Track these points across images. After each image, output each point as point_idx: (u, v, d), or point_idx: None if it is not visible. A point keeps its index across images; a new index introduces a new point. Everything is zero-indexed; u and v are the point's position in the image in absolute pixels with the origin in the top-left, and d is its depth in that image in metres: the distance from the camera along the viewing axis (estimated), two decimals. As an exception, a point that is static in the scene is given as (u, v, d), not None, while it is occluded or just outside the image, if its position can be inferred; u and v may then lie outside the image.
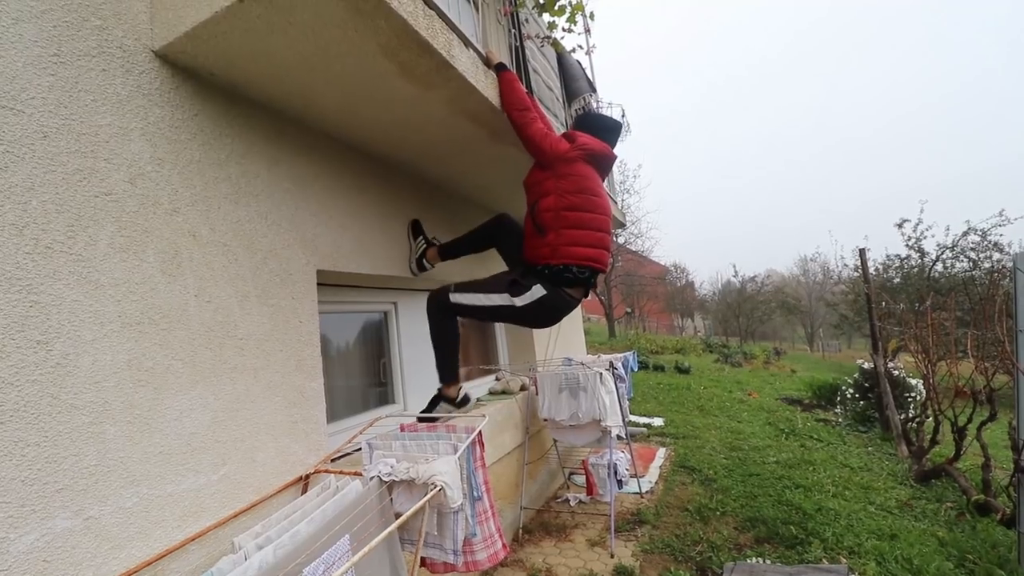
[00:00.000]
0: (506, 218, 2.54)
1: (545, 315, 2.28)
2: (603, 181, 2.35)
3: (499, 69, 2.19)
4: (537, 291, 2.15)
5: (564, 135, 2.29)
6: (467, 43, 1.92)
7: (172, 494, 1.38)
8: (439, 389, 2.36)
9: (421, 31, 1.51)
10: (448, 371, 2.34)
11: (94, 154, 1.34)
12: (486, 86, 1.99)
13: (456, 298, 2.26)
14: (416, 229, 2.71)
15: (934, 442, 4.50)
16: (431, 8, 1.62)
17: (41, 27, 1.28)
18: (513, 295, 2.18)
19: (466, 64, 1.80)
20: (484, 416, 1.85)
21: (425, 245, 2.65)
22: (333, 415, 2.30)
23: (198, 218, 1.58)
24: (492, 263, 2.87)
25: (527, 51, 3.13)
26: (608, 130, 2.39)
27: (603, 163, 2.30)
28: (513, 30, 3.12)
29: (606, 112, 4.04)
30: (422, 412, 2.33)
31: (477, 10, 3.81)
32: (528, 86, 3.05)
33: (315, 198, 2.08)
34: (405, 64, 1.65)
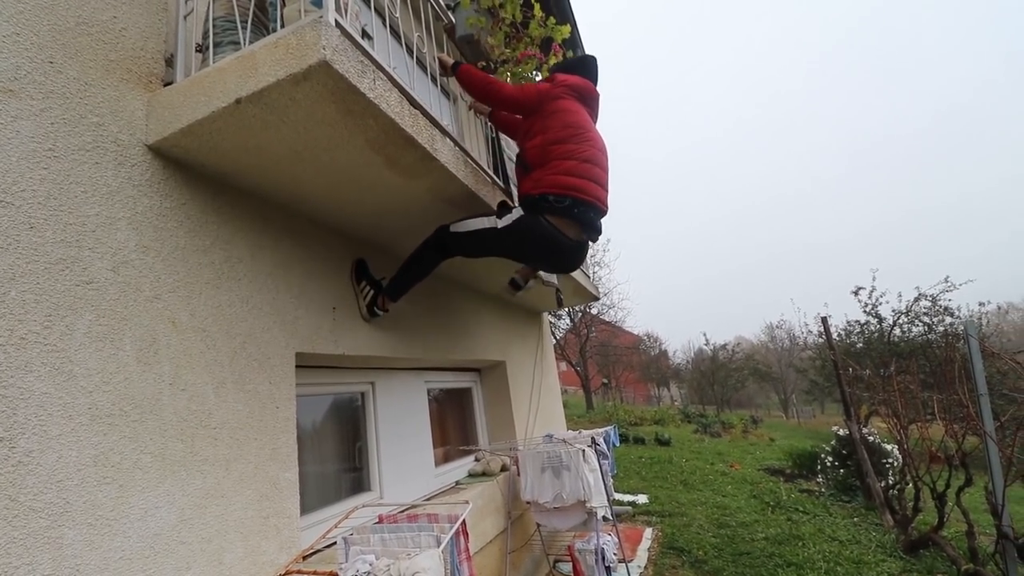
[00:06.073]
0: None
1: (535, 245, 2.18)
2: (594, 121, 2.31)
3: (455, 68, 2.32)
4: (516, 212, 2.17)
5: (544, 79, 2.33)
6: (445, 133, 2.06)
7: (129, 606, 1.26)
8: (383, 286, 2.42)
9: (407, 128, 1.62)
10: (398, 288, 2.41)
11: (79, 243, 1.34)
12: (465, 175, 2.11)
13: (455, 227, 2.25)
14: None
15: (916, 510, 4.48)
16: (415, 107, 1.76)
17: (39, 124, 1.32)
18: (499, 216, 2.19)
19: (447, 156, 1.92)
20: (468, 503, 1.78)
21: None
22: (305, 506, 2.17)
23: (179, 304, 1.57)
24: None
25: (502, 140, 3.35)
26: (584, 66, 2.40)
27: (588, 98, 2.28)
28: (489, 122, 3.35)
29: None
30: (358, 273, 2.44)
31: (453, 103, 4.09)
32: (504, 172, 3.23)
33: (296, 281, 2.09)
34: (391, 156, 1.75)
